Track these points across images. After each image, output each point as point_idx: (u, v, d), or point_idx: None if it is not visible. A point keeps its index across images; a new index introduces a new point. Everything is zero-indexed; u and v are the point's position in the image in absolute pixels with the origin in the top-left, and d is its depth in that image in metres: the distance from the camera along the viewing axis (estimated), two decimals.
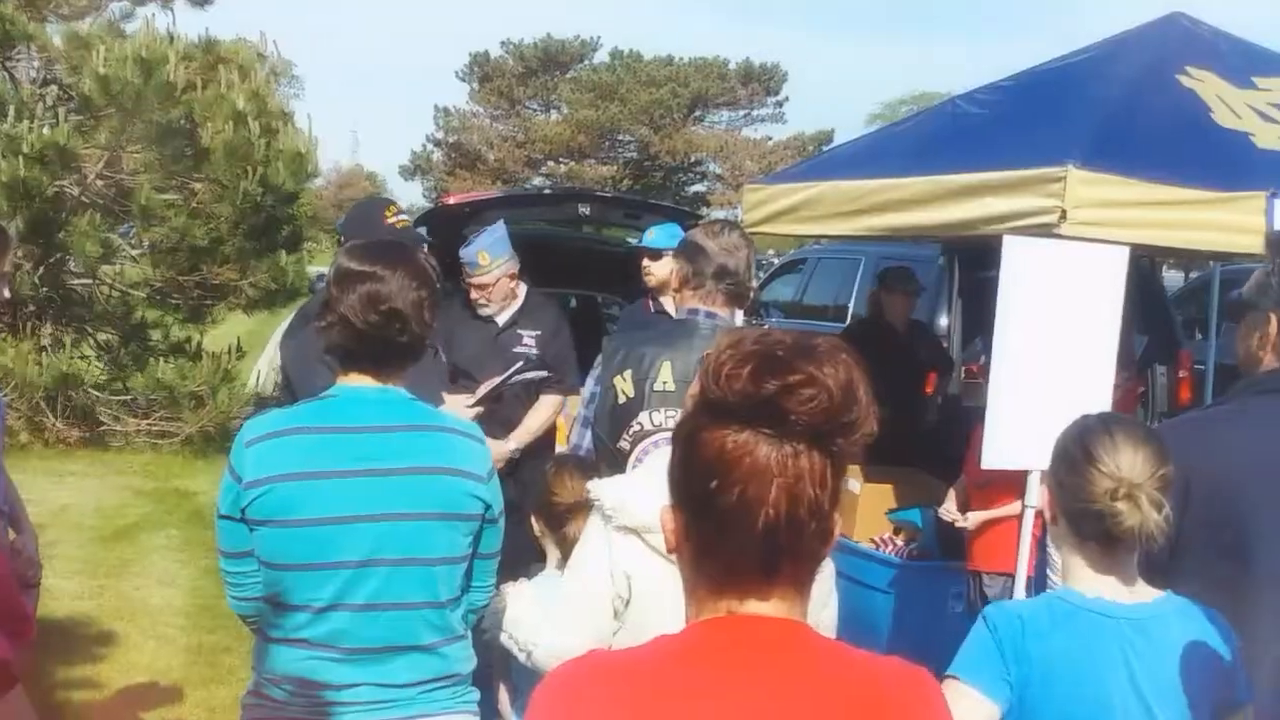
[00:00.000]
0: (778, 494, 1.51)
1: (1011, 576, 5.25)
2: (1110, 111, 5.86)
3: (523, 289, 6.28)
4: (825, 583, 2.99)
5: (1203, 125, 5.79)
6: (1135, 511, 2.46)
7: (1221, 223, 5.29)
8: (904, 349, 8.16)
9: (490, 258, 6.09)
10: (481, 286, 6.12)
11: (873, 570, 6.74)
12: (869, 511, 7.06)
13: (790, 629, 1.59)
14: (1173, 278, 18.45)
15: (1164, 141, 5.67)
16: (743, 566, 1.57)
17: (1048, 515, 2.72)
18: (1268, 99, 6.09)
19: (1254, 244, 5.03)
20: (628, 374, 3.86)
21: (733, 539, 1.55)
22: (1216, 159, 5.56)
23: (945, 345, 9.90)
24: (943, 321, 10.34)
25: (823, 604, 2.98)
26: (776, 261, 17.87)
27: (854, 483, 7.08)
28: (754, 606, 1.58)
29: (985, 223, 5.55)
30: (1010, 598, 5.21)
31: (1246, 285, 3.07)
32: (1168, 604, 2.57)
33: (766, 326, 10.90)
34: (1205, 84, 6.04)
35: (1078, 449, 2.57)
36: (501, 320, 6.20)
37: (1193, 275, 16.89)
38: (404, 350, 3.12)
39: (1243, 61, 6.39)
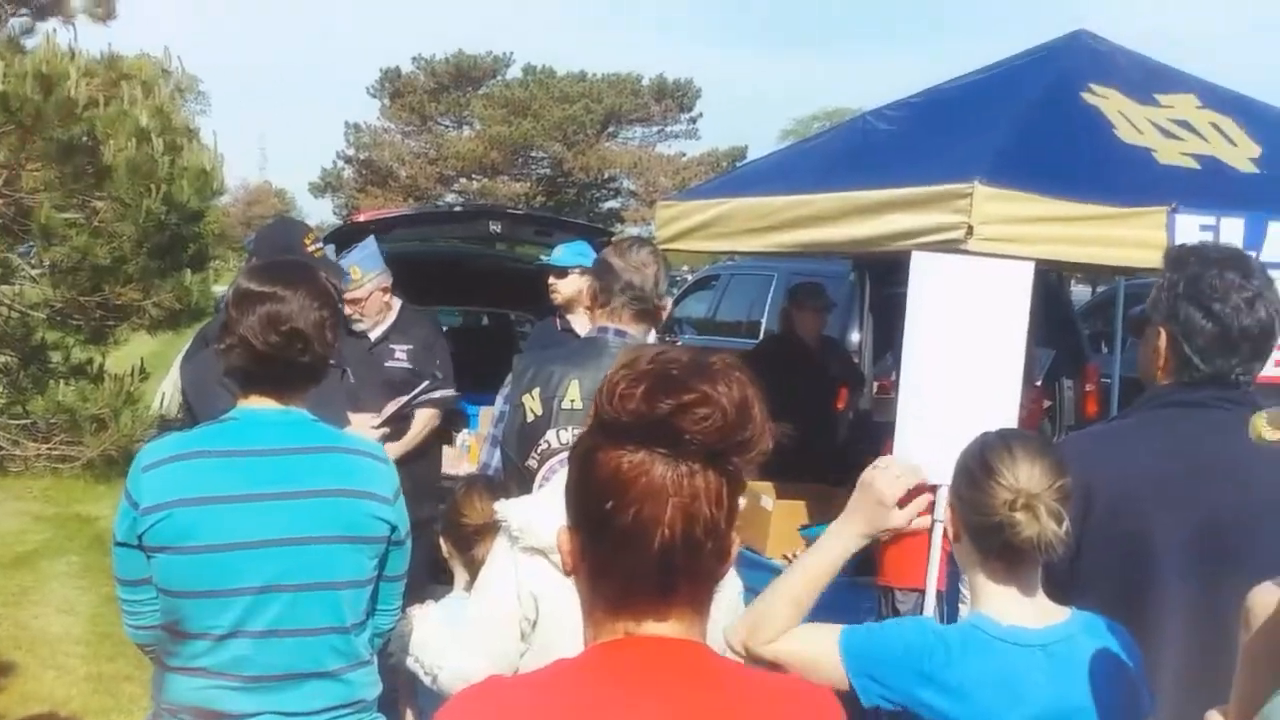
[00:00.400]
0: (673, 514, 1.50)
1: (924, 592, 5.28)
2: (1015, 128, 5.93)
3: (397, 304, 6.28)
4: (734, 601, 2.98)
5: (1106, 141, 5.87)
6: (1034, 522, 2.49)
7: (1124, 238, 5.36)
8: (815, 365, 8.19)
9: (362, 272, 6.08)
10: (354, 301, 6.11)
11: None
12: (781, 528, 7.06)
13: (688, 650, 1.58)
14: (1080, 292, 18.72)
15: (1068, 158, 5.74)
16: (639, 587, 1.55)
17: (950, 533, 2.72)
18: (1169, 115, 6.19)
19: (1156, 259, 5.04)
20: (536, 392, 3.84)
21: (629, 559, 1.54)
22: (1119, 175, 5.64)
23: (857, 361, 9.95)
24: (854, 337, 10.39)
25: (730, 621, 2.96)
26: (690, 278, 17.91)
27: (766, 499, 7.09)
28: (651, 627, 1.57)
29: (894, 239, 5.58)
30: (921, 613, 5.24)
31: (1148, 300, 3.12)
32: (1075, 623, 2.59)
33: (679, 343, 10.90)
34: (1108, 100, 6.13)
35: (976, 464, 2.59)
36: (374, 335, 6.18)
37: (1099, 289, 17.14)
38: (306, 371, 3.07)
39: (1144, 78, 6.49)
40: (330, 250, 6.00)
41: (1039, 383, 8.55)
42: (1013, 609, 2.57)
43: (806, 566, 2.74)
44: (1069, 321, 11.10)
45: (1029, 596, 2.59)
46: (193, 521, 2.90)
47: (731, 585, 2.88)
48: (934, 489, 2.59)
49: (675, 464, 1.50)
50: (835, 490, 7.19)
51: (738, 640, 2.64)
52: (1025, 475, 2.52)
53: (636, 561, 1.53)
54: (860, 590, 6.60)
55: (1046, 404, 9.14)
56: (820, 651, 2.59)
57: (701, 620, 1.60)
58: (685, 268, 26.97)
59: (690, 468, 1.50)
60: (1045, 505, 2.49)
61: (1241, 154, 6.03)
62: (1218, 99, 6.48)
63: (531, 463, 3.78)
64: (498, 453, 4.13)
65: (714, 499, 1.52)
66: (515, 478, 3.84)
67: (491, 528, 3.24)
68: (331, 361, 3.28)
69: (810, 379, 7.90)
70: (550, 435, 3.76)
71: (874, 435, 7.57)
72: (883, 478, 2.58)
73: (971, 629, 2.56)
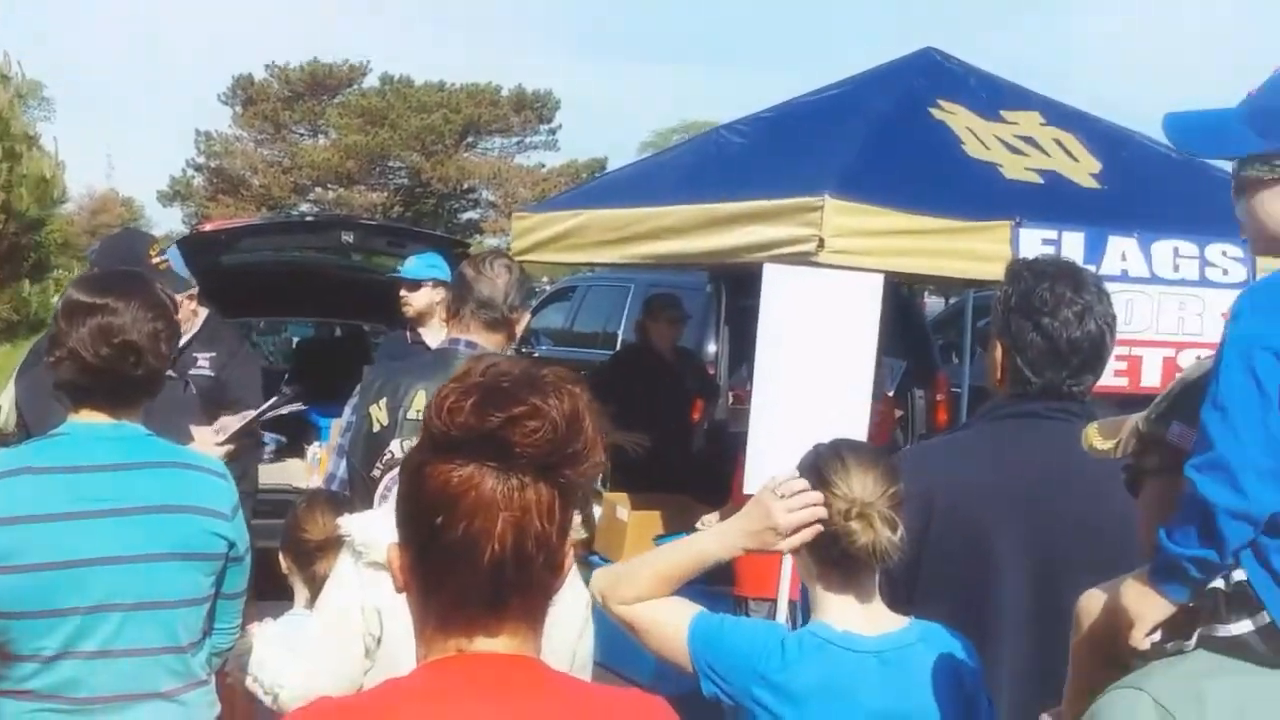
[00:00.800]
0: (504, 528, 1.48)
1: (775, 601, 5.32)
2: (866, 143, 6.02)
3: (203, 313, 6.15)
4: (582, 612, 2.96)
5: (954, 157, 5.99)
6: (868, 530, 2.51)
7: (971, 251, 5.47)
8: (671, 376, 8.20)
9: None
10: None
11: None
12: (637, 538, 7.06)
13: (522, 665, 1.56)
14: (934, 304, 19.04)
15: (917, 172, 5.84)
16: (470, 603, 1.53)
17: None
18: (1014, 131, 6.34)
19: (1001, 271, 5.18)
20: (383, 402, 3.82)
21: (459, 575, 1.51)
22: (966, 189, 5.76)
23: (712, 372, 10.00)
24: (711, 348, 10.45)
25: (579, 633, 2.95)
26: (549, 289, 17.86)
27: (622, 510, 7.09)
28: (483, 644, 1.54)
29: (748, 251, 5.63)
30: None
31: None
32: (912, 632, 2.62)
33: (535, 355, 10.80)
34: (956, 116, 6.26)
35: (810, 475, 2.61)
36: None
37: (952, 301, 17.47)
38: (140, 384, 2.98)
39: (991, 95, 6.65)
40: (177, 262, 5.84)
41: (891, 393, 8.68)
42: (850, 617, 2.59)
43: (681, 548, 2.80)
44: (921, 332, 11.30)
45: (866, 604, 2.61)
46: (18, 540, 2.80)
47: (585, 595, 2.87)
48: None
49: (505, 477, 1.48)
50: (691, 501, 7.23)
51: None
52: (859, 484, 2.54)
53: (467, 577, 1.50)
54: (714, 599, 6.61)
55: (899, 414, 9.27)
56: (672, 629, 2.63)
57: (535, 635, 1.58)
58: (545, 279, 26.92)
59: (521, 481, 1.49)
60: (879, 513, 2.52)
61: (1083, 169, 6.20)
62: (1061, 116, 6.66)
63: (375, 472, 3.75)
64: (344, 463, 4.09)
65: (545, 512, 1.50)
66: (360, 488, 3.81)
67: (334, 543, 3.18)
68: (171, 374, 3.19)
69: (666, 390, 7.92)
70: (395, 445, 3.73)
71: (729, 446, 7.61)
72: (780, 509, 2.56)
73: (808, 634, 2.59)
